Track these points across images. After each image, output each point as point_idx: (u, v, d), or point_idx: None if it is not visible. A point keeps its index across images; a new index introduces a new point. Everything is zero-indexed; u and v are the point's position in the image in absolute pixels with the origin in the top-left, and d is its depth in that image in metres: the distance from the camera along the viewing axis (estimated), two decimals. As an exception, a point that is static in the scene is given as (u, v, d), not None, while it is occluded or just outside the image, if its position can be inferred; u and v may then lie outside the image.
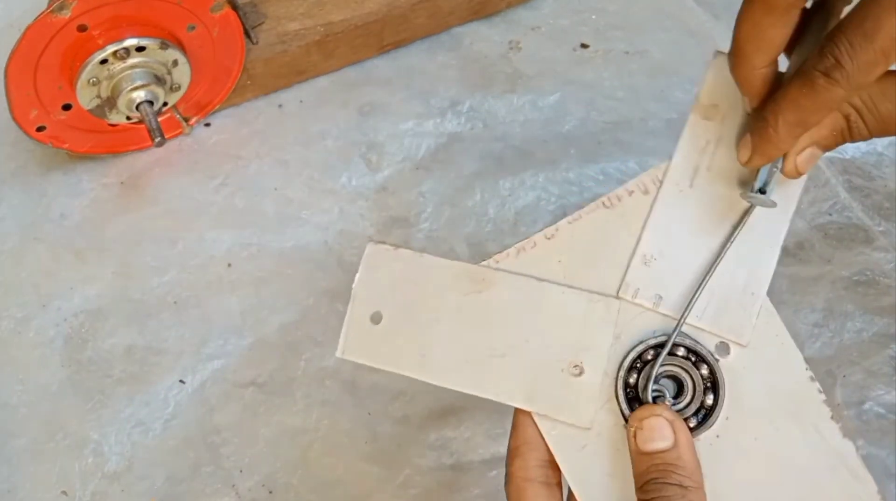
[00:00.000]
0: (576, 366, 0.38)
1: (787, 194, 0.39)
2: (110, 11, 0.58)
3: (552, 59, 0.73)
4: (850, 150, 0.67)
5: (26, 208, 0.65)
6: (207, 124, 0.69)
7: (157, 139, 0.61)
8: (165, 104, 0.64)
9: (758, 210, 0.38)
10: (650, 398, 0.36)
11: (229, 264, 0.63)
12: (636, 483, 0.36)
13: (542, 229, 0.40)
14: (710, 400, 0.37)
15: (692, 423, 0.37)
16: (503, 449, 0.56)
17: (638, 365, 0.38)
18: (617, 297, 0.38)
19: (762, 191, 0.37)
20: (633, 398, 0.37)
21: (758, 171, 0.38)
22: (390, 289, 0.40)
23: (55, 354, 0.59)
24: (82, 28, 0.58)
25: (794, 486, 0.36)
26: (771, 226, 0.39)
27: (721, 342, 0.38)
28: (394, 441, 0.57)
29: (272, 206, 0.66)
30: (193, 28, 0.62)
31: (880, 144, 0.68)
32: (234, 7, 0.64)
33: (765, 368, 0.37)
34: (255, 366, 0.59)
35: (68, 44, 0.58)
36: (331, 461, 0.56)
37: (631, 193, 0.39)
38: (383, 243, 0.40)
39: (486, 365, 0.39)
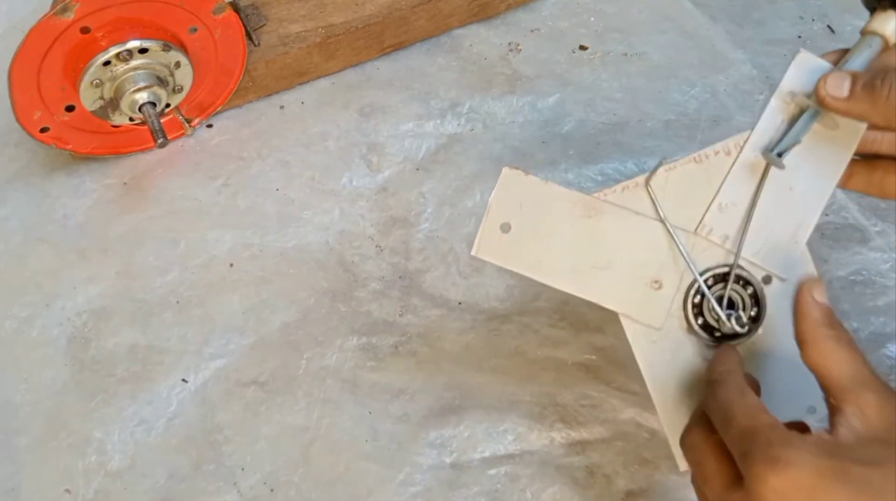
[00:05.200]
0: (656, 282, 0.48)
1: (833, 162, 0.48)
2: (113, 14, 0.58)
3: (551, 61, 0.74)
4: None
5: (30, 208, 0.66)
6: (209, 126, 0.70)
7: (160, 140, 0.62)
8: (168, 106, 0.64)
9: (808, 176, 0.48)
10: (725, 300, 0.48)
11: (231, 264, 0.64)
12: None
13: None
14: (754, 313, 0.48)
15: (742, 331, 0.48)
16: (503, 448, 0.56)
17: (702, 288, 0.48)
18: (694, 233, 0.48)
19: (780, 154, 0.46)
20: (698, 313, 0.48)
21: (784, 135, 0.47)
22: (518, 206, 0.47)
23: (59, 353, 0.60)
24: (85, 30, 0.58)
25: (798, 372, 0.46)
26: (816, 189, 0.48)
27: (766, 275, 0.48)
28: (394, 440, 0.57)
29: (274, 206, 0.66)
30: (196, 30, 0.62)
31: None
32: (236, 9, 0.64)
33: (794, 296, 0.47)
34: (256, 365, 0.60)
35: (71, 46, 0.58)
36: (332, 459, 0.56)
37: (717, 153, 0.48)
38: (517, 168, 0.47)
39: (590, 274, 0.48)
